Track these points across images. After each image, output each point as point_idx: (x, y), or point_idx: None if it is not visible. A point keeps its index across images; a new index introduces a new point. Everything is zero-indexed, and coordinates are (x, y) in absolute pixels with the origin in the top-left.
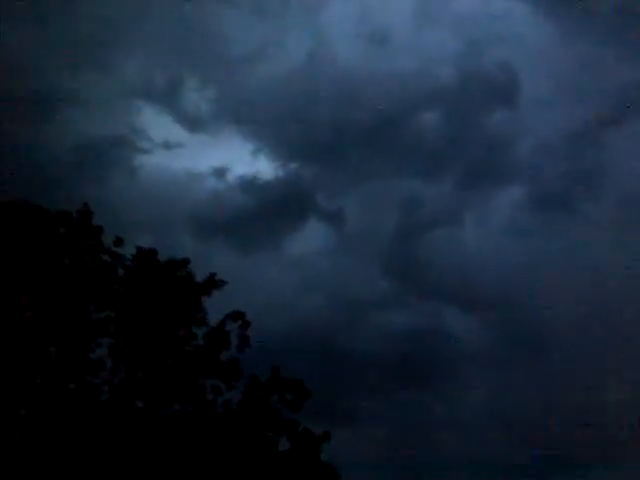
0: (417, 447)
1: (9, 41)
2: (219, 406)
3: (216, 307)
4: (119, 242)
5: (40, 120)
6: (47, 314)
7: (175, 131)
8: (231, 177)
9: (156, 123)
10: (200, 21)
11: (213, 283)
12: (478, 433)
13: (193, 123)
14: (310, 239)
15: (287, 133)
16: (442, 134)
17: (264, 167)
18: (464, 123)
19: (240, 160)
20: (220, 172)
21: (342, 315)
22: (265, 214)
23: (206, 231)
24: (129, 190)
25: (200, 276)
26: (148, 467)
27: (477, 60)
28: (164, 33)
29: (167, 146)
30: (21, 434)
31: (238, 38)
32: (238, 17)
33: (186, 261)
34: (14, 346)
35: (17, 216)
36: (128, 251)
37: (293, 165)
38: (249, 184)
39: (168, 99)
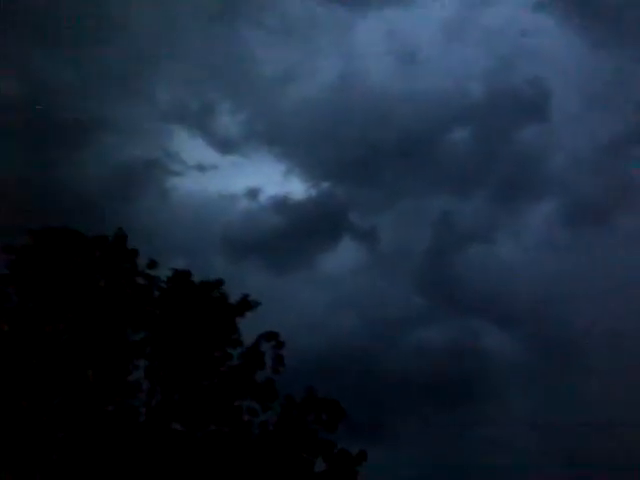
0: (455, 466)
1: (48, 70)
2: (255, 427)
3: (250, 327)
4: (153, 265)
5: (77, 146)
6: (84, 337)
7: (207, 154)
8: (263, 198)
9: (189, 146)
10: (231, 44)
11: (247, 304)
12: (518, 451)
13: (225, 145)
14: (343, 258)
15: (319, 153)
16: (473, 150)
17: (296, 187)
18: (495, 139)
19: (272, 181)
20: (252, 193)
21: (376, 334)
22: (298, 234)
23: (239, 252)
24: (162, 213)
25: (234, 297)
26: None
27: (507, 76)
28: (196, 58)
29: (200, 168)
30: (59, 457)
31: (269, 60)
32: (268, 39)
33: (220, 282)
34: (52, 370)
35: (55, 242)
36: (162, 273)
37: (325, 184)
38: (281, 204)
39: (201, 122)
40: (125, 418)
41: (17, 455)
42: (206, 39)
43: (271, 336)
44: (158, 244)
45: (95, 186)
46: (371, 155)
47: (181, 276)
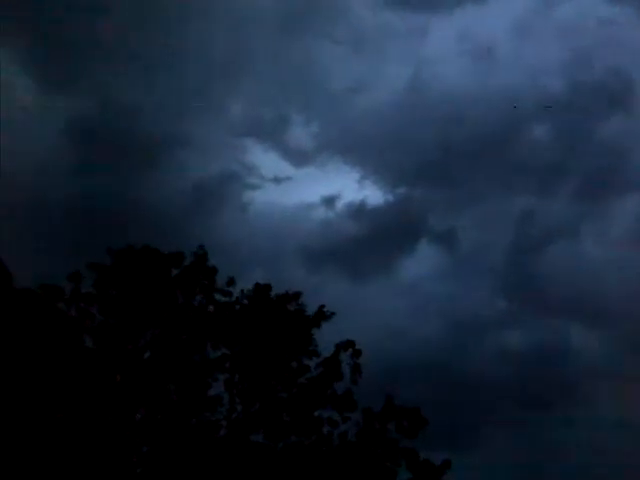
0: (543, 472)
1: (126, 90)
2: (335, 438)
3: (330, 336)
4: (232, 282)
5: (155, 164)
6: (165, 354)
7: (282, 166)
8: (340, 205)
9: (264, 159)
10: (302, 57)
11: (322, 315)
12: (610, 455)
13: (299, 157)
14: (423, 261)
15: (394, 158)
16: (554, 146)
17: (372, 193)
18: (577, 134)
19: (348, 188)
20: (329, 201)
21: (458, 338)
22: (376, 240)
23: (317, 261)
24: (240, 226)
25: (313, 306)
26: None
27: (586, 68)
28: (268, 72)
29: (276, 180)
30: (143, 471)
31: (340, 71)
32: (339, 50)
33: (298, 294)
34: (134, 385)
35: (135, 260)
36: (242, 286)
37: (402, 189)
38: (358, 211)
39: (274, 135)
40: (206, 432)
41: (103, 470)
42: (277, 53)
43: (348, 345)
44: (238, 257)
45: (174, 202)
46: (447, 156)
47: (262, 290)
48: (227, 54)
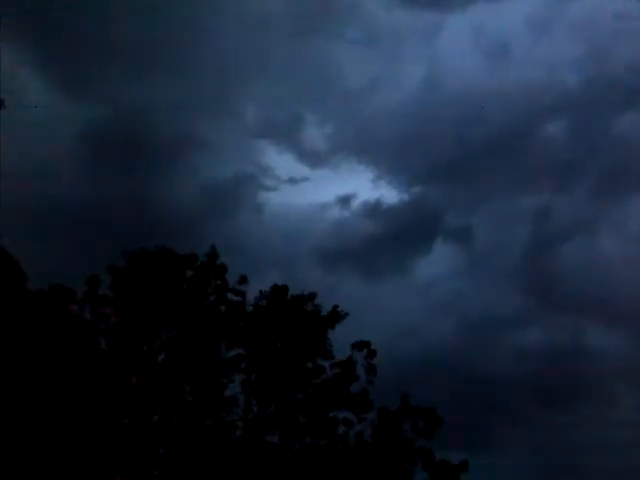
0: (560, 471)
1: (141, 92)
2: (351, 439)
3: (347, 335)
4: (243, 280)
5: (171, 166)
6: (180, 355)
7: (297, 167)
8: (355, 205)
9: (279, 161)
10: (316, 59)
11: (336, 315)
12: (627, 454)
13: (314, 158)
14: (439, 260)
15: (409, 157)
16: (571, 143)
17: (387, 193)
18: (593, 129)
19: (363, 188)
20: (344, 200)
21: (475, 336)
22: (391, 239)
23: (333, 261)
24: (256, 226)
25: (328, 306)
26: None
27: (602, 63)
28: (282, 74)
29: (291, 181)
30: (160, 472)
31: (353, 71)
32: (353, 51)
33: (313, 295)
34: (150, 387)
35: (149, 263)
36: (257, 287)
37: (417, 188)
38: (374, 210)
39: (289, 137)
40: (223, 433)
41: (120, 472)
42: (291, 55)
43: (363, 345)
44: (253, 258)
45: (190, 203)
46: (462, 155)
47: (279, 291)
48: (241, 56)
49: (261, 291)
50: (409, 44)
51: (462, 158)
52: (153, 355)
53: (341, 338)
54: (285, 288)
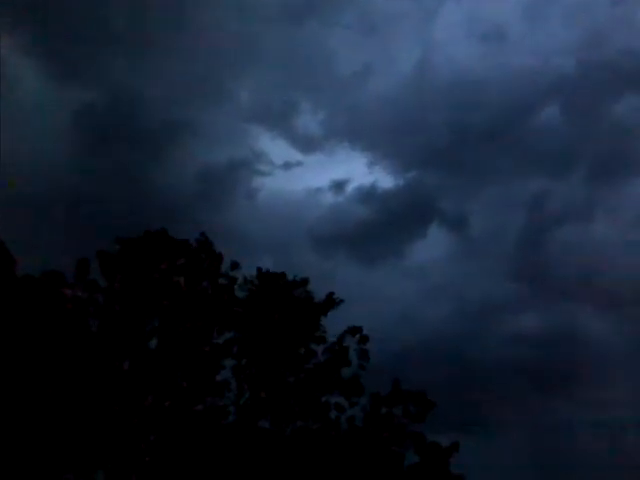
0: (556, 454)
1: (134, 78)
2: (343, 423)
3: (341, 320)
4: (235, 266)
5: (165, 151)
6: (172, 339)
7: (291, 153)
8: (349, 190)
9: (273, 146)
10: (310, 44)
11: (331, 302)
12: (622, 437)
13: (308, 143)
14: (433, 246)
15: (404, 142)
16: (566, 128)
17: (382, 178)
18: (589, 115)
19: (357, 174)
20: (338, 185)
21: (470, 322)
22: (386, 224)
23: (327, 246)
24: (249, 211)
25: (323, 292)
26: None
27: (598, 48)
28: (276, 59)
29: (285, 167)
30: (152, 458)
31: (348, 57)
32: (347, 37)
33: (305, 281)
34: (142, 372)
35: (140, 248)
36: (249, 273)
37: (411, 174)
38: (368, 195)
39: (283, 123)
40: (215, 418)
41: (112, 457)
42: (285, 40)
43: (355, 331)
44: (247, 243)
45: (184, 188)
46: (458, 140)
47: (265, 276)
48: (235, 41)
49: (245, 277)
50: (404, 29)
51: (457, 143)
52: (144, 340)
53: (335, 324)
54: (274, 274)
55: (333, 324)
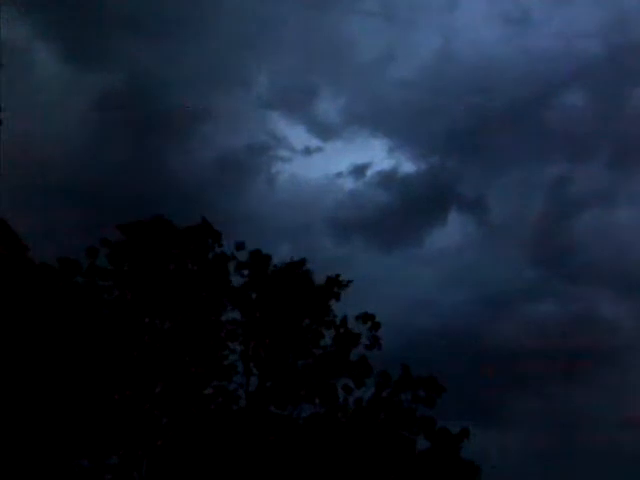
0: (573, 442)
1: (152, 63)
2: (351, 405)
3: (358, 306)
4: (240, 247)
5: (184, 136)
6: (180, 325)
7: (311, 138)
8: (370, 174)
9: (291, 132)
10: (330, 30)
11: (337, 283)
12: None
13: (328, 130)
14: (452, 232)
15: (424, 127)
16: (590, 112)
17: (402, 164)
18: (613, 99)
19: (377, 159)
20: (359, 170)
21: (488, 308)
22: (405, 210)
23: (347, 232)
24: (269, 197)
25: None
26: (287, 472)
27: (624, 31)
28: (296, 43)
29: (305, 152)
30: (164, 443)
31: (369, 41)
32: (367, 20)
33: (302, 262)
34: (152, 359)
35: (147, 234)
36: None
37: (433, 158)
38: (388, 180)
39: (303, 108)
40: (225, 403)
41: (124, 442)
42: (306, 26)
43: (367, 318)
44: (266, 228)
45: (203, 173)
46: (479, 124)
47: (260, 259)
48: (255, 26)
49: (240, 262)
50: (425, 13)
51: (479, 128)
52: (155, 327)
53: (351, 309)
54: (268, 257)
55: (348, 310)
